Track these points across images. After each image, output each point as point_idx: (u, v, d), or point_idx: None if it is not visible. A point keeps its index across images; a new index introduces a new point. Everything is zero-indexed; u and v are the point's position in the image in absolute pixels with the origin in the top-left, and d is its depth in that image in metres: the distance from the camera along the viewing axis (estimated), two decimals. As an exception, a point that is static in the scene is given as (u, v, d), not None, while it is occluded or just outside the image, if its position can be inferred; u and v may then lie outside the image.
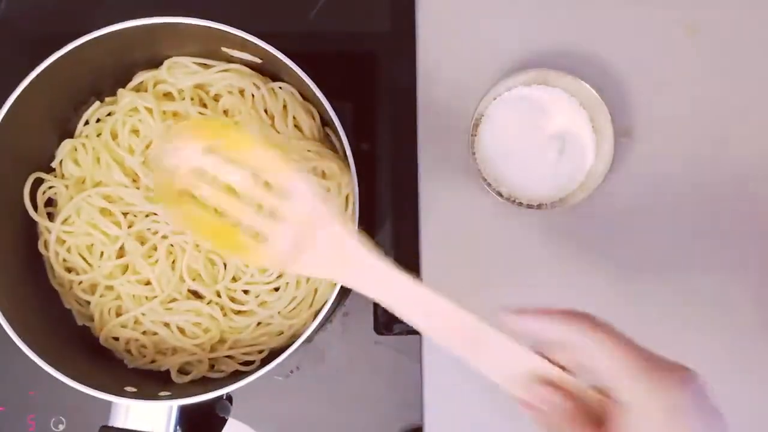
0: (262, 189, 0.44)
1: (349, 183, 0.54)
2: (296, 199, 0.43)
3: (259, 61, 0.55)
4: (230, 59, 0.56)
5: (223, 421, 0.59)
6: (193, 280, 0.55)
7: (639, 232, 0.61)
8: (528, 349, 0.41)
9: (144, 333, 0.56)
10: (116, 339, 0.56)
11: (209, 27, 0.52)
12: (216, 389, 0.50)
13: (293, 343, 0.51)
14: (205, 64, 0.57)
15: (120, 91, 0.56)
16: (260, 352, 0.56)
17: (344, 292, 0.59)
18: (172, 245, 0.55)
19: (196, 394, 0.50)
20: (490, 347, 0.41)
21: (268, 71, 0.57)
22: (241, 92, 0.56)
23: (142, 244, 0.55)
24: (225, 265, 0.55)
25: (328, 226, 0.43)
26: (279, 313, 0.55)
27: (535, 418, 0.42)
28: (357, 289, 0.43)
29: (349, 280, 0.44)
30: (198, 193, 0.45)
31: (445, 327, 0.42)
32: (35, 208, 0.56)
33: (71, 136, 0.57)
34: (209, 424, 0.59)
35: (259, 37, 0.52)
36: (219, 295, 0.55)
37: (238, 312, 0.55)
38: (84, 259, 0.55)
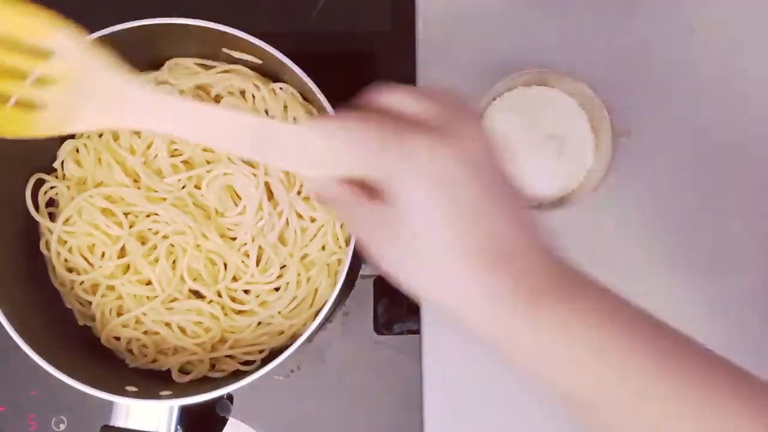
0: (22, 56, 0.42)
1: (349, 183, 0.55)
2: (62, 57, 0.42)
3: (259, 61, 0.56)
4: (231, 60, 0.56)
5: (224, 421, 0.59)
6: (194, 280, 0.55)
7: (638, 232, 0.61)
8: (317, 138, 0.39)
9: (145, 333, 0.56)
10: (117, 339, 0.56)
11: (210, 28, 0.52)
12: (217, 389, 0.50)
13: (293, 343, 0.51)
14: (206, 65, 0.57)
15: (121, 91, 0.56)
16: (261, 351, 0.56)
17: (344, 292, 0.59)
18: (172, 245, 0.55)
19: (196, 394, 0.50)
20: (279, 143, 0.40)
21: (269, 72, 0.57)
22: (242, 93, 0.56)
23: (143, 244, 0.55)
24: (225, 265, 0.55)
25: (96, 74, 0.42)
26: (279, 313, 0.55)
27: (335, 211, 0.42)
28: (141, 129, 0.46)
29: (129, 123, 0.43)
30: None
31: (232, 135, 0.41)
32: (37, 208, 0.56)
33: (72, 136, 0.57)
34: (210, 423, 0.59)
35: (259, 38, 0.52)
36: (219, 295, 0.55)
37: (239, 312, 0.56)
38: (85, 259, 0.56)
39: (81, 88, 0.42)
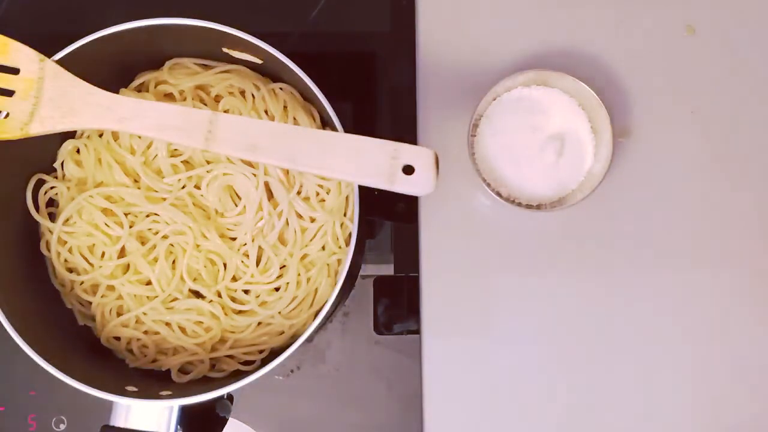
0: None
1: (349, 183, 0.55)
2: (23, 68, 0.49)
3: (259, 61, 0.56)
4: (231, 60, 0.56)
5: (224, 421, 0.59)
6: (194, 280, 0.55)
7: (637, 232, 0.61)
8: None
9: (145, 332, 0.56)
10: (117, 339, 0.56)
11: (210, 28, 0.52)
12: (217, 389, 0.50)
13: (294, 343, 0.51)
14: (206, 65, 0.57)
15: (122, 91, 0.56)
16: (261, 351, 0.56)
17: (344, 292, 0.59)
18: (172, 245, 0.55)
19: (196, 394, 0.50)
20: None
21: (269, 72, 0.57)
22: (242, 93, 0.56)
23: (143, 244, 0.55)
24: (225, 265, 0.55)
25: (54, 80, 0.49)
26: (279, 313, 0.55)
27: None
28: (94, 127, 0.49)
29: (86, 123, 0.49)
30: None
31: (179, 125, 0.48)
32: (37, 208, 0.56)
33: (73, 136, 0.57)
34: (210, 423, 0.59)
35: (259, 38, 0.52)
36: (219, 295, 0.55)
37: (239, 312, 0.56)
38: (85, 259, 0.56)
39: (39, 95, 0.49)
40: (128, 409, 0.51)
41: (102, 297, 0.56)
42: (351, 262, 0.52)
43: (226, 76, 0.56)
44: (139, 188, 0.55)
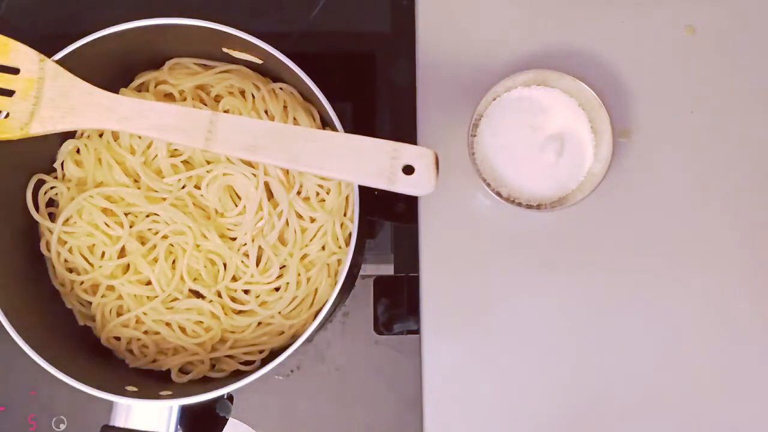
0: None
1: (349, 183, 0.55)
2: (23, 68, 0.49)
3: (259, 61, 0.56)
4: (231, 60, 0.56)
5: (224, 421, 0.59)
6: (194, 280, 0.55)
7: (637, 232, 0.61)
8: None
9: (145, 332, 0.56)
10: (117, 339, 0.56)
11: (210, 28, 0.52)
12: (217, 389, 0.50)
13: (293, 343, 0.51)
14: (206, 65, 0.57)
15: (122, 90, 0.56)
16: (261, 351, 0.56)
17: (344, 292, 0.59)
18: (172, 245, 0.55)
19: (196, 394, 0.50)
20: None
21: (269, 72, 0.57)
22: (242, 93, 0.56)
23: (143, 244, 0.55)
24: (225, 266, 0.55)
25: (54, 80, 0.49)
26: (279, 313, 0.55)
27: None
28: (94, 127, 0.49)
29: (86, 124, 0.49)
30: None
31: (179, 125, 0.48)
32: (37, 208, 0.56)
33: (73, 136, 0.57)
34: (210, 423, 0.59)
35: (259, 38, 0.52)
36: (219, 295, 0.55)
37: (239, 312, 0.56)
38: (85, 259, 0.56)
39: (39, 94, 0.49)
40: (128, 409, 0.51)
41: (102, 297, 0.56)
42: (351, 262, 0.52)
43: (226, 76, 0.56)
44: (139, 188, 0.55)
